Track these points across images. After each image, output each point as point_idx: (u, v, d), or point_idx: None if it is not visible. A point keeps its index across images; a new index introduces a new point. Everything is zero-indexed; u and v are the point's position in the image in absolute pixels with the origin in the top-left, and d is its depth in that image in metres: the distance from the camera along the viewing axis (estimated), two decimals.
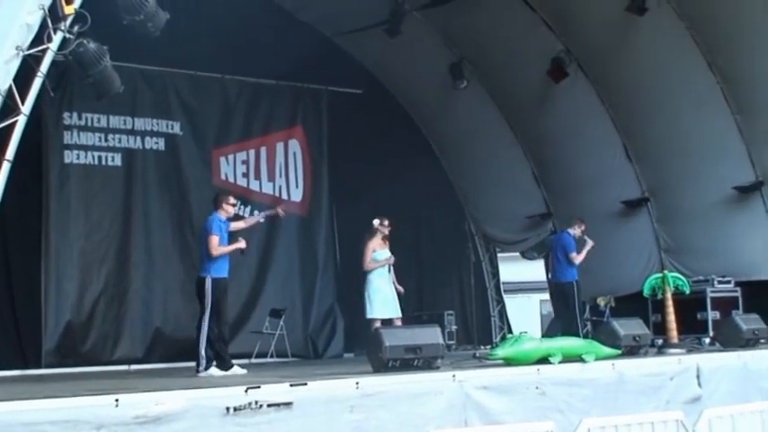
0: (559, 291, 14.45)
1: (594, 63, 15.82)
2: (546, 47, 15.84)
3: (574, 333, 13.10)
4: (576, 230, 14.30)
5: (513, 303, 20.18)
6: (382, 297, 12.63)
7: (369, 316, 12.63)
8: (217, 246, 10.87)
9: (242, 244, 11.15)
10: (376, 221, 12.93)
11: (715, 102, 14.87)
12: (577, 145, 16.58)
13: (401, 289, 12.99)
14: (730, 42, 14.36)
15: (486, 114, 17.50)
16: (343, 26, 16.67)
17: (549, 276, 14.67)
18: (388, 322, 12.45)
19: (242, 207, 16.70)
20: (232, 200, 11.39)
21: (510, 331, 18.72)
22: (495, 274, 19.30)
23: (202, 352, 10.77)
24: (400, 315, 12.80)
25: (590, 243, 14.11)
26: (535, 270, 20.48)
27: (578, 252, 14.07)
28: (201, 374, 10.69)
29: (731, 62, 14.52)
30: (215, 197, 11.54)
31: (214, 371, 10.76)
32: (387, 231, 12.88)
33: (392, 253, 12.99)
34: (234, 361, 14.95)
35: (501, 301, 19.26)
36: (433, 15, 16.24)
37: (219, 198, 11.35)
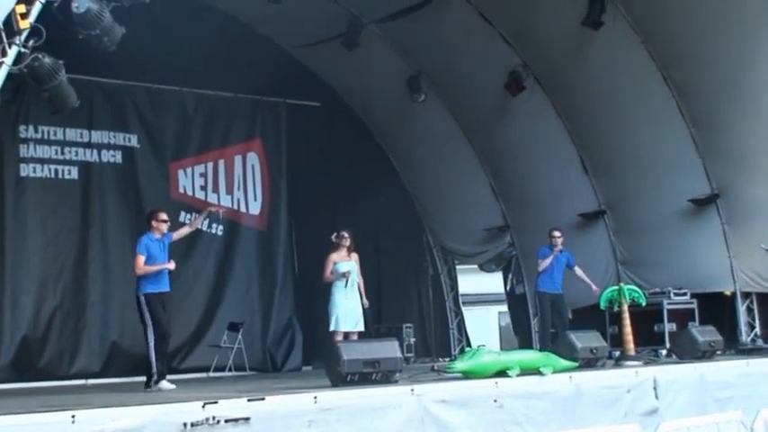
0: (562, 301, 14.51)
1: (551, 76, 15.92)
2: (503, 60, 15.92)
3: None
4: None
5: (471, 315, 20.20)
6: (342, 311, 12.62)
7: (331, 328, 12.64)
8: (141, 266, 10.95)
9: (171, 265, 11.15)
10: (333, 236, 12.95)
11: (671, 115, 14.98)
12: (535, 158, 16.66)
13: (366, 302, 12.99)
14: (685, 56, 14.49)
15: (444, 127, 17.55)
16: (301, 39, 16.68)
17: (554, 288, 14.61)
18: (346, 336, 12.45)
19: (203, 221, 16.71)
20: (162, 216, 11.30)
21: (468, 343, 18.77)
22: (454, 286, 19.34)
23: (153, 366, 10.78)
24: (362, 329, 12.78)
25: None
26: (493, 282, 20.53)
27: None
28: (152, 389, 10.66)
29: (686, 76, 14.65)
30: (147, 214, 11.52)
31: (165, 384, 10.74)
32: (347, 243, 12.87)
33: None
34: (192, 375, 15.08)
35: (459, 314, 19.30)
36: (390, 28, 16.28)
37: (150, 216, 11.35)
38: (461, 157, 17.71)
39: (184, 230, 11.95)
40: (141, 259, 10.95)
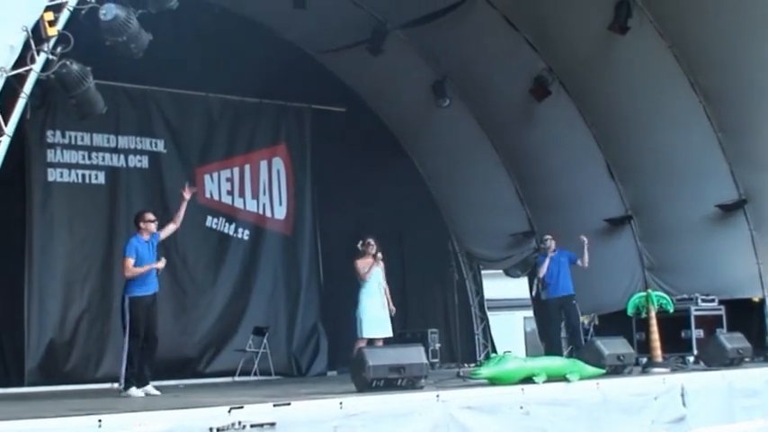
0: (570, 303, 14.51)
1: (577, 81, 15.87)
2: (528, 65, 15.90)
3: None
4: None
5: (496, 321, 20.15)
6: (370, 317, 12.64)
7: (359, 336, 12.66)
8: (130, 268, 10.92)
9: (160, 264, 11.17)
10: (359, 243, 12.97)
11: (697, 120, 14.90)
12: (560, 163, 16.61)
13: (392, 308, 13.02)
14: (712, 61, 14.40)
15: (469, 132, 17.53)
16: (327, 44, 16.72)
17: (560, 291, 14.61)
18: (371, 342, 12.46)
19: (227, 224, 16.78)
20: (149, 216, 11.30)
21: (494, 349, 18.73)
22: (479, 291, 19.33)
23: (123, 372, 10.77)
24: (390, 334, 12.80)
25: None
26: (519, 287, 20.48)
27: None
28: (122, 395, 10.66)
29: (713, 81, 14.57)
30: (134, 217, 11.50)
31: (134, 391, 10.69)
32: (372, 251, 12.89)
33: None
34: (217, 379, 15.10)
35: (485, 319, 19.27)
36: (415, 34, 16.29)
37: (137, 218, 11.35)
38: (486, 161, 17.69)
39: (170, 228, 11.73)
40: (130, 262, 10.92)
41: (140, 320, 10.85)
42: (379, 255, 12.89)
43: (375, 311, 12.69)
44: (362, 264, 12.85)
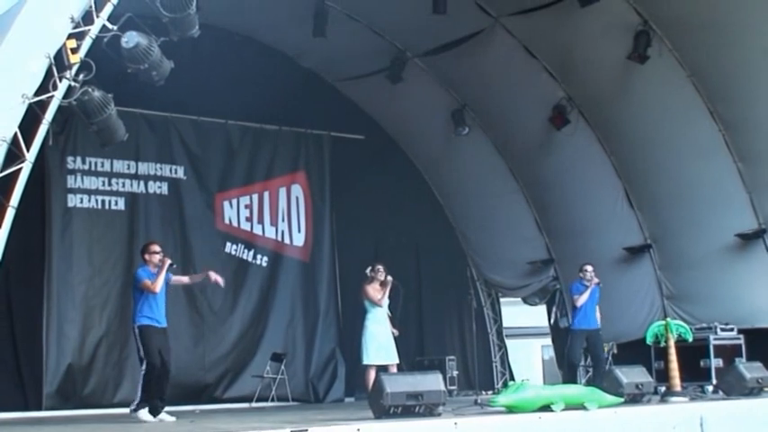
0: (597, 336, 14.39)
1: (596, 110, 15.88)
2: (547, 94, 15.93)
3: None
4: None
5: (514, 348, 20.11)
6: (377, 343, 12.64)
7: (364, 362, 12.66)
8: (151, 284, 10.90)
9: (167, 262, 11.11)
10: (368, 269, 13.02)
11: (717, 149, 14.89)
12: (579, 191, 16.61)
13: (395, 331, 13.04)
14: (731, 90, 14.41)
15: (487, 160, 17.55)
16: (346, 72, 16.81)
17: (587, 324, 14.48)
18: (383, 368, 12.43)
19: (246, 251, 16.81)
20: (153, 248, 11.26)
21: (512, 377, 18.68)
22: (497, 319, 19.30)
23: (139, 394, 10.90)
24: (396, 361, 12.80)
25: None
26: (537, 315, 20.45)
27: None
28: (132, 416, 10.83)
29: (732, 110, 14.57)
30: (141, 249, 11.51)
31: (143, 413, 10.77)
32: (381, 277, 12.91)
33: (401, 295, 13.06)
34: (235, 405, 15.11)
35: (503, 347, 19.23)
36: (434, 62, 16.35)
37: (143, 250, 11.37)
38: (505, 189, 17.69)
39: (183, 279, 12.12)
40: (148, 282, 10.92)
41: (155, 348, 10.89)
42: (389, 279, 12.91)
43: (382, 338, 12.73)
44: (372, 290, 12.85)
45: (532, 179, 17.33)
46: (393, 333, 13.00)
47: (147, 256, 11.17)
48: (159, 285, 10.94)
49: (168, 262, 11.10)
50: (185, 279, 12.17)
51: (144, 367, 10.87)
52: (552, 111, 15.86)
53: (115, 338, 15.26)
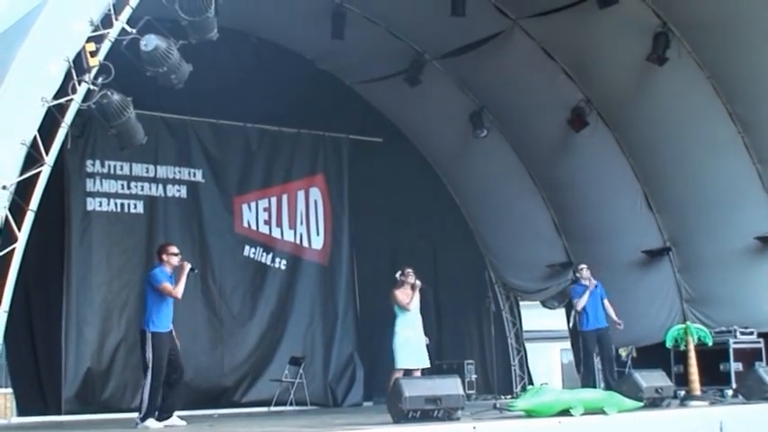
0: (607, 336, 14.40)
1: (615, 112, 15.84)
2: (566, 96, 15.88)
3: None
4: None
5: (532, 352, 20.04)
6: (410, 347, 12.54)
7: (398, 366, 12.54)
8: (173, 289, 10.70)
9: (186, 266, 10.86)
10: (398, 273, 12.92)
11: (736, 151, 14.83)
12: (598, 193, 16.56)
13: (427, 339, 12.98)
14: (750, 92, 14.35)
15: (506, 162, 17.52)
16: (364, 75, 16.82)
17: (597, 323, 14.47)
18: (408, 372, 12.39)
19: (264, 254, 16.82)
20: (172, 249, 11.04)
21: (531, 381, 18.62)
22: (516, 322, 19.25)
23: (144, 406, 10.50)
24: (428, 365, 12.74)
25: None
26: (556, 319, 20.39)
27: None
28: (139, 427, 10.46)
29: (751, 111, 14.50)
30: (158, 249, 11.28)
31: (151, 422, 10.47)
32: (411, 281, 12.83)
33: (428, 298, 12.99)
34: (253, 409, 15.10)
35: (521, 351, 19.18)
36: (452, 64, 16.33)
37: (160, 251, 11.12)
38: (524, 192, 17.66)
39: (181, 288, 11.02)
40: (169, 286, 10.69)
41: (164, 356, 10.60)
42: (418, 283, 12.82)
43: (414, 342, 12.62)
44: (402, 294, 12.75)
45: (550, 181, 17.29)
46: (425, 339, 12.96)
47: (164, 257, 10.92)
48: (181, 291, 10.75)
49: (188, 266, 10.89)
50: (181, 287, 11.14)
51: (150, 374, 10.48)
52: (571, 113, 15.82)
53: (134, 342, 15.08)
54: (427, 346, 12.90)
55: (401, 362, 12.46)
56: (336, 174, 17.87)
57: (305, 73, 16.66)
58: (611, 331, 14.44)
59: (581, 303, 14.21)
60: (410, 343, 12.54)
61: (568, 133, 16.11)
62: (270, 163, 17.21)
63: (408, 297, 12.68)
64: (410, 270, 12.89)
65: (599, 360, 14.97)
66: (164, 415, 10.64)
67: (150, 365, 10.49)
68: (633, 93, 15.22)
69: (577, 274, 14.50)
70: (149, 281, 10.77)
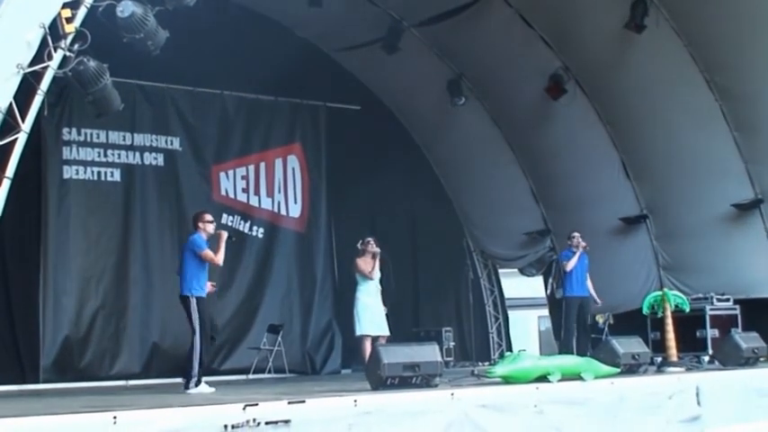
0: (588, 305, 14.49)
1: (593, 80, 15.85)
2: (544, 63, 15.87)
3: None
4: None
5: (510, 319, 20.10)
6: (370, 314, 12.77)
7: (357, 333, 12.78)
8: (213, 255, 11.06)
9: (224, 234, 11.27)
10: (359, 243, 13.11)
11: (714, 119, 14.88)
12: (576, 162, 16.59)
13: (384, 308, 13.19)
14: (728, 60, 14.38)
15: (484, 131, 17.51)
16: (342, 42, 16.71)
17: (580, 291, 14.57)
18: (375, 340, 12.51)
19: (242, 222, 16.78)
20: (208, 217, 11.38)
21: (509, 347, 18.72)
22: (494, 290, 19.31)
23: (194, 371, 10.77)
24: (387, 333, 12.90)
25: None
26: (534, 286, 20.48)
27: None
28: (190, 392, 10.65)
29: (729, 80, 14.55)
30: (193, 217, 11.54)
31: (204, 387, 10.75)
32: (372, 249, 12.98)
33: (391, 269, 13.09)
34: (231, 377, 15.13)
35: (499, 318, 19.25)
36: (431, 32, 16.27)
37: (196, 218, 11.39)
38: (502, 160, 17.67)
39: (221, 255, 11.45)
40: (209, 252, 11.06)
41: (207, 319, 11.06)
42: (377, 250, 12.99)
43: (375, 309, 12.86)
44: (363, 263, 12.95)
45: (529, 150, 17.31)
46: (384, 309, 13.15)
47: (201, 225, 11.22)
48: (221, 258, 11.13)
49: (226, 234, 11.25)
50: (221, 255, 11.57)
51: (198, 338, 10.81)
52: (549, 80, 15.81)
53: (111, 310, 15.25)
54: (393, 313, 13.07)
55: (364, 328, 12.69)
56: (314, 142, 17.82)
57: (283, 40, 16.54)
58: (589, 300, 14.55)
59: (570, 265, 14.28)
60: (371, 310, 12.79)
61: (547, 102, 16.11)
62: (247, 131, 17.15)
63: (370, 266, 12.94)
64: (371, 239, 13.13)
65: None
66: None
67: (198, 329, 10.82)
68: (611, 61, 15.24)
69: (569, 242, 14.53)
70: (190, 247, 11.10)
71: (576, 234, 14.53)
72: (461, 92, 16.90)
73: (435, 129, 18.06)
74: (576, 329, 14.45)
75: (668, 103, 15.07)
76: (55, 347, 14.59)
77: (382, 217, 17.43)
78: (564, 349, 14.08)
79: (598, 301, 14.51)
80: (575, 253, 14.35)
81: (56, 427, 6.65)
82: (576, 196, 16.85)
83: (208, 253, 11.01)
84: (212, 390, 10.75)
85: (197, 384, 10.74)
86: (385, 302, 13.22)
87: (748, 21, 13.79)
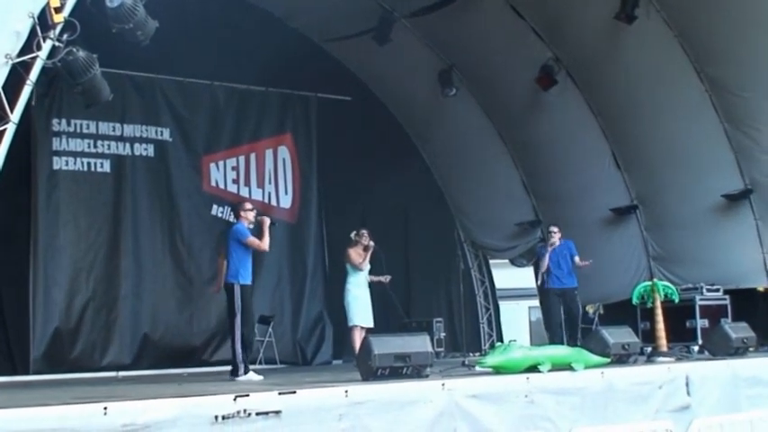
0: (572, 296, 14.50)
1: (583, 71, 15.85)
2: (535, 54, 15.86)
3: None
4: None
5: (501, 310, 20.13)
6: (361, 305, 12.85)
7: (350, 324, 12.86)
8: (257, 241, 11.44)
9: (267, 220, 11.64)
10: (352, 233, 13.17)
11: (704, 110, 14.90)
12: (566, 152, 16.60)
13: (388, 277, 13.68)
14: (719, 51, 14.40)
15: (475, 122, 17.51)
16: (333, 33, 16.67)
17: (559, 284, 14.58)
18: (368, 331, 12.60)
19: (232, 213, 16.70)
20: (247, 205, 11.90)
21: (500, 338, 18.74)
22: (485, 281, 19.33)
23: (238, 359, 11.18)
24: (372, 326, 13.11)
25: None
26: (524, 277, 20.49)
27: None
28: (239, 380, 10.97)
29: (719, 71, 14.56)
30: (233, 208, 12.32)
31: (252, 375, 11.05)
32: (365, 241, 13.06)
33: (379, 260, 13.20)
34: (222, 368, 15.12)
35: (490, 309, 19.28)
36: (422, 23, 16.24)
37: (237, 207, 12.02)
38: (493, 151, 17.68)
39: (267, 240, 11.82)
40: (253, 239, 11.43)
41: (249, 308, 11.41)
42: (371, 243, 13.06)
43: (364, 301, 13.00)
44: (355, 253, 13.03)
45: (519, 141, 17.32)
46: (383, 280, 13.55)
47: (242, 213, 11.63)
48: (267, 243, 11.48)
49: (268, 221, 11.59)
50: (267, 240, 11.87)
51: (238, 325, 11.18)
52: (539, 71, 15.80)
53: (102, 302, 15.24)
54: (383, 303, 13.23)
55: (356, 318, 12.78)
56: (305, 132, 17.80)
57: (273, 31, 16.50)
58: (578, 293, 14.55)
59: (543, 266, 14.41)
60: (361, 301, 12.87)
61: (538, 93, 16.11)
62: (238, 122, 17.12)
63: (361, 257, 13.04)
64: (365, 231, 13.28)
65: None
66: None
67: (239, 315, 11.22)
68: (602, 52, 15.24)
69: (548, 237, 14.59)
70: (235, 237, 11.45)
71: (554, 229, 14.57)
72: (452, 83, 16.89)
73: (426, 119, 18.06)
74: (563, 321, 14.49)
75: (659, 94, 15.08)
76: (45, 339, 14.58)
77: (373, 207, 17.43)
78: (553, 341, 14.11)
79: (581, 264, 14.47)
80: (546, 249, 14.50)
81: (46, 419, 6.63)
82: (566, 187, 16.87)
83: (252, 240, 11.40)
84: (260, 378, 10.97)
85: (245, 372, 11.07)
86: (395, 291, 13.41)
87: (739, 12, 13.79)
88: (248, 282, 11.44)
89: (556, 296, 14.49)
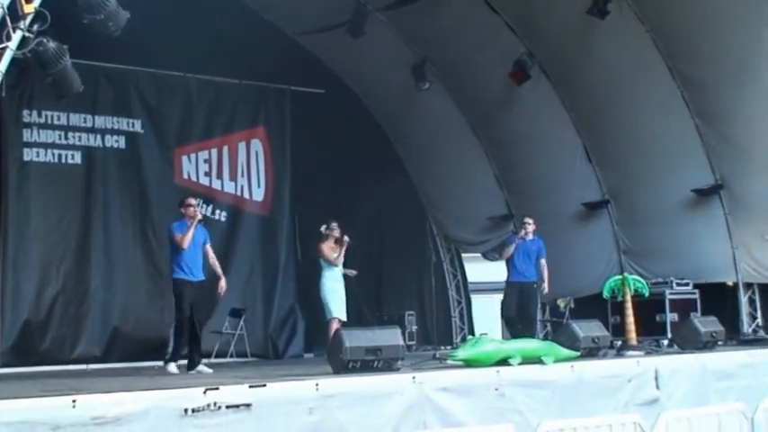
0: (529, 291, 14.49)
1: (556, 66, 15.90)
2: (508, 49, 15.89)
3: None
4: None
5: (473, 303, 20.17)
6: (339, 298, 12.84)
7: (329, 316, 12.82)
8: (181, 237, 11.55)
9: (197, 217, 11.77)
10: (323, 227, 13.13)
11: (675, 106, 14.98)
12: (539, 147, 16.65)
13: (353, 271, 13.68)
14: (690, 47, 14.48)
15: (448, 116, 17.53)
16: (307, 26, 16.63)
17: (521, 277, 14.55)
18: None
19: (204, 206, 16.67)
20: (189, 201, 11.98)
21: (472, 331, 18.78)
22: (457, 274, 19.36)
23: (169, 347, 11.70)
24: (345, 318, 13.11)
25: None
26: (497, 270, 20.51)
27: None
28: (159, 369, 11.43)
29: (691, 67, 14.65)
30: (179, 203, 12.11)
31: (171, 367, 11.28)
32: (337, 234, 13.03)
33: (353, 253, 13.18)
34: None
35: (462, 302, 19.31)
36: (396, 16, 16.24)
37: (180, 203, 12.02)
38: (466, 145, 17.70)
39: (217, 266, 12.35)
40: (179, 236, 11.59)
41: (184, 300, 11.51)
42: (346, 238, 13.03)
43: (340, 294, 13.02)
44: (328, 249, 12.99)
45: (492, 135, 17.35)
46: (349, 274, 13.49)
47: (182, 210, 11.75)
48: (187, 241, 11.51)
49: (198, 217, 11.70)
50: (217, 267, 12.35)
51: (174, 318, 11.55)
52: (513, 66, 15.83)
53: (72, 294, 15.15)
54: (355, 296, 13.30)
55: (334, 311, 12.74)
56: (278, 125, 17.75)
57: (248, 23, 16.41)
58: (537, 288, 14.53)
59: (506, 253, 14.36)
60: (338, 294, 12.83)
61: (511, 88, 16.14)
62: (211, 114, 17.05)
63: (336, 251, 12.96)
64: (335, 224, 13.18)
65: (540, 312, 15.16)
66: (190, 365, 11.51)
67: (174, 310, 11.76)
68: (575, 46, 15.28)
69: (521, 228, 14.56)
70: (168, 234, 12.00)
71: (528, 221, 14.49)
72: (426, 77, 16.88)
73: (400, 113, 18.05)
74: (539, 313, 14.51)
75: (631, 90, 15.16)
76: (14, 331, 14.47)
77: (346, 200, 17.38)
78: (516, 335, 14.04)
79: (545, 288, 14.34)
80: (515, 240, 14.49)
81: (15, 411, 6.61)
82: (538, 181, 16.93)
83: (176, 237, 11.58)
84: (177, 372, 11.15)
85: (174, 359, 11.42)
86: (366, 284, 13.47)
87: (711, 8, 13.86)
88: (181, 276, 11.64)
89: (514, 290, 14.42)
